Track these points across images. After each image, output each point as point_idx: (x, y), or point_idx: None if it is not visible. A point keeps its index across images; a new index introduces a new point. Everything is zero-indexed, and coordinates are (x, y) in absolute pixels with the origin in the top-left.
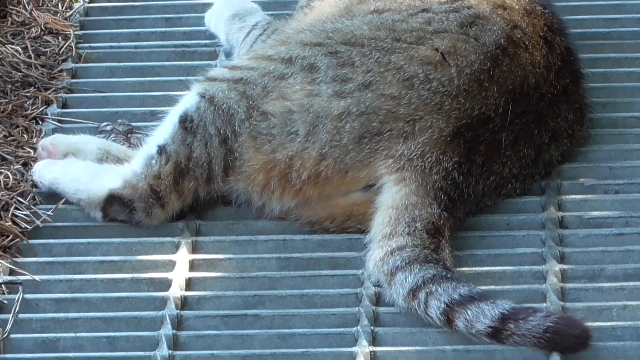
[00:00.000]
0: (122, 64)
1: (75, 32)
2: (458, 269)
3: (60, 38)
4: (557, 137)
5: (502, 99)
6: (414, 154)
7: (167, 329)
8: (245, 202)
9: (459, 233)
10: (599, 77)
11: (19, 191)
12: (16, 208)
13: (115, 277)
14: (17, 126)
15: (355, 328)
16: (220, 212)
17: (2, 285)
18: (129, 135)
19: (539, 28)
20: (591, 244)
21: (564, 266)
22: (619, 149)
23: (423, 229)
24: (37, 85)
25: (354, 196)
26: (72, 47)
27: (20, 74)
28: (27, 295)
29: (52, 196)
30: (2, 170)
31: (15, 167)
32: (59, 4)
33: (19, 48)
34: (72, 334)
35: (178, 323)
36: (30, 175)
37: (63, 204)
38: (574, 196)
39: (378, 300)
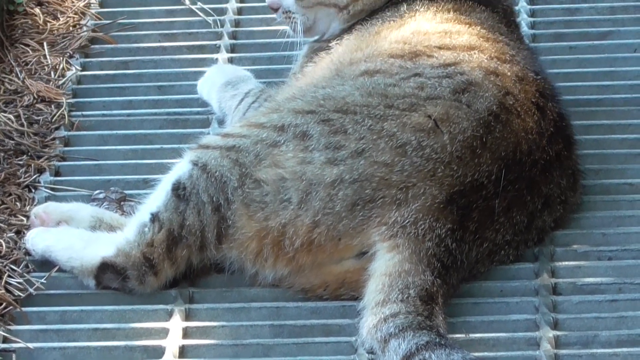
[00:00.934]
0: (114, 131)
1: (68, 100)
2: (451, 335)
3: (52, 106)
4: (550, 203)
5: (494, 166)
6: (407, 221)
7: None
8: (238, 269)
9: (453, 300)
10: (591, 144)
11: (12, 259)
12: (9, 276)
13: (108, 345)
14: (10, 194)
15: None
16: (214, 280)
17: None
18: (122, 203)
19: (532, 94)
20: (585, 311)
21: (558, 332)
22: (612, 216)
23: (416, 296)
24: (29, 153)
25: (347, 263)
26: (64, 115)
27: (13, 142)
28: None
29: (45, 264)
30: None
31: (9, 235)
32: (52, 72)
33: (11, 116)
34: None
35: None
36: (24, 243)
37: (56, 271)
38: (567, 263)
39: None
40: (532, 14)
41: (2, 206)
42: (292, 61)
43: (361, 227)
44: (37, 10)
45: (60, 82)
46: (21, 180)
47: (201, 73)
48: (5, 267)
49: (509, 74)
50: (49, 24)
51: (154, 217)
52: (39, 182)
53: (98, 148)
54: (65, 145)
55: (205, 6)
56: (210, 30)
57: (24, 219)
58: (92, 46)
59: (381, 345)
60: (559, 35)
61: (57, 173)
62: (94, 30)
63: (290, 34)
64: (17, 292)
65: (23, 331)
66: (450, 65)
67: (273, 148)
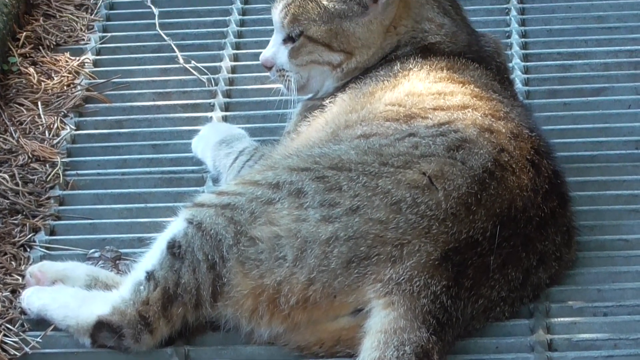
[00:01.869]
0: (109, 190)
1: (63, 160)
2: None
3: (47, 165)
4: (545, 260)
5: (489, 223)
6: (402, 278)
7: None
8: (234, 327)
9: (448, 356)
10: (586, 200)
11: (7, 318)
12: (5, 335)
13: None
14: (5, 253)
15: None
16: (209, 338)
17: None
18: (117, 261)
19: (526, 151)
20: None
21: None
22: (607, 272)
23: (412, 353)
24: (24, 213)
25: (343, 321)
26: (59, 174)
27: (7, 201)
28: None
29: (41, 323)
30: None
31: (4, 294)
32: (46, 132)
33: (6, 176)
34: None
35: None
36: (19, 302)
37: (52, 330)
38: (562, 319)
39: None
40: (526, 70)
41: None
42: (286, 119)
43: (356, 284)
44: (31, 69)
45: (55, 142)
46: (16, 239)
47: (195, 131)
48: (0, 326)
49: (503, 130)
50: (43, 84)
51: (150, 276)
52: (34, 241)
53: (93, 207)
54: (60, 205)
55: (199, 65)
56: (204, 88)
57: (20, 278)
58: (87, 105)
59: None
60: (553, 91)
61: (52, 232)
62: (88, 90)
63: (284, 92)
64: (12, 351)
65: None
66: (444, 124)
67: (268, 206)
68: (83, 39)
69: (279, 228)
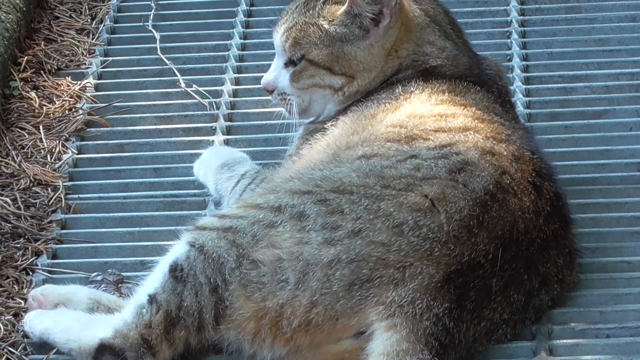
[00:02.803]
0: (111, 214)
1: (64, 183)
2: None
3: (49, 189)
4: (547, 282)
5: (491, 245)
6: (404, 300)
7: None
8: (236, 350)
9: None
10: (588, 222)
11: (10, 341)
12: (7, 358)
13: None
14: (8, 277)
15: None
16: None
17: None
18: (120, 285)
19: (528, 173)
20: None
21: None
22: (610, 294)
23: None
24: (27, 237)
25: (345, 343)
26: (61, 198)
27: (10, 225)
28: None
29: (44, 346)
30: None
31: (6, 317)
32: (48, 156)
33: (8, 199)
34: None
35: None
36: (22, 325)
37: (54, 354)
38: (565, 341)
39: None
40: (528, 93)
41: (0, 289)
42: (287, 143)
43: (359, 306)
44: (32, 94)
45: (57, 165)
46: (18, 263)
47: (197, 155)
48: (3, 349)
49: (505, 153)
50: (44, 108)
51: (152, 299)
52: (36, 264)
53: (95, 230)
54: (62, 228)
55: (200, 88)
56: (206, 112)
57: (22, 301)
58: (88, 129)
59: None
60: (555, 114)
61: (54, 256)
62: (89, 114)
63: (286, 116)
64: None
65: None
66: (446, 146)
67: (270, 229)
68: (84, 63)
69: (281, 251)
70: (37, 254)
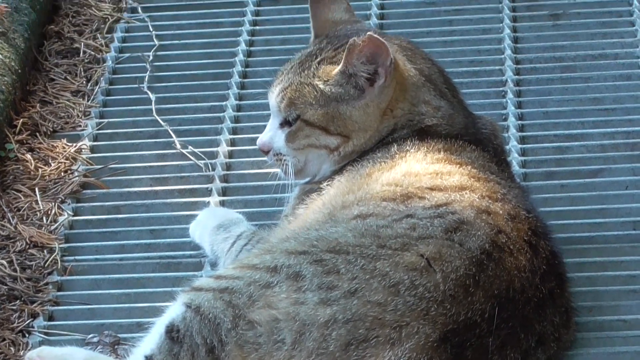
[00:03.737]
0: (107, 276)
1: (60, 245)
2: None
3: (45, 251)
4: (543, 341)
5: (488, 304)
6: None
7: None
8: None
9: None
10: (584, 281)
11: None
12: None
13: None
14: (4, 339)
15: None
16: None
17: None
18: (116, 346)
19: (524, 232)
20: None
21: None
22: (606, 352)
23: None
24: (23, 299)
25: None
26: (57, 260)
27: (6, 287)
28: None
29: None
30: None
31: None
32: (44, 218)
33: (4, 261)
34: None
35: None
36: None
37: None
38: None
39: None
40: (523, 152)
41: None
42: (283, 203)
43: None
44: (28, 156)
45: (53, 227)
46: (15, 325)
47: (193, 216)
48: None
49: (501, 212)
50: (40, 170)
51: None
52: (32, 326)
53: (91, 292)
54: (59, 290)
55: (196, 150)
56: (201, 173)
57: None
58: (84, 191)
59: None
60: (550, 173)
61: (50, 318)
62: (85, 176)
63: (282, 177)
64: None
65: None
66: (441, 205)
67: (266, 289)
68: (80, 125)
69: (277, 311)
70: (34, 315)
